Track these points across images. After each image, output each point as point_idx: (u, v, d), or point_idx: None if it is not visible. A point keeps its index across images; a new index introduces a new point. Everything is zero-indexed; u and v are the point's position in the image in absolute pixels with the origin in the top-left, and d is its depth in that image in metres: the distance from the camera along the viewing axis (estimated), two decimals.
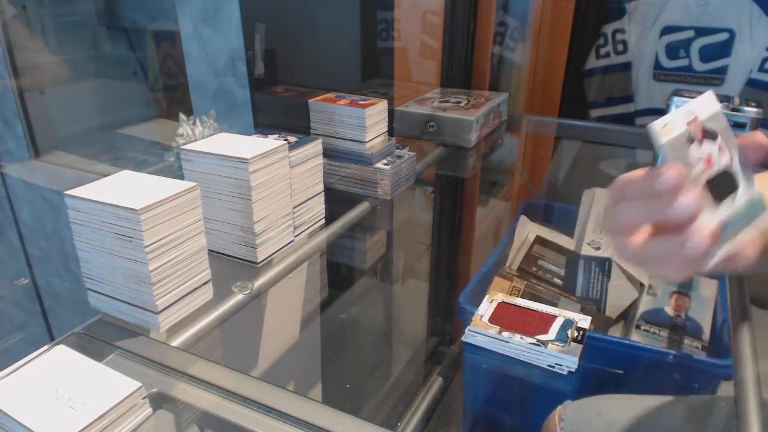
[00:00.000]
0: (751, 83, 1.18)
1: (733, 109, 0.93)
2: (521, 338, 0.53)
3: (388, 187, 0.81)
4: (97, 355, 0.47)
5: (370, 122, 0.80)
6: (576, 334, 0.53)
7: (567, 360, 0.51)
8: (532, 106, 1.38)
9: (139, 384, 0.42)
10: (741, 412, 0.42)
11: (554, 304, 0.60)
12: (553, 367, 0.51)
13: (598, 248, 0.81)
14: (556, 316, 0.56)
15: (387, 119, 0.85)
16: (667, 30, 1.25)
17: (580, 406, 0.49)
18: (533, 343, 0.52)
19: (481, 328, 0.54)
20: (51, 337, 1.65)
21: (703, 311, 0.69)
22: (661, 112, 0.99)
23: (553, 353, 0.51)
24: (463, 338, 0.56)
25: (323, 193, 0.73)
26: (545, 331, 0.54)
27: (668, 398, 0.49)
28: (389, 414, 0.83)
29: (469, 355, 0.58)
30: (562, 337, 0.53)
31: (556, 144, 1.26)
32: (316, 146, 0.70)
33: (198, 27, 1.15)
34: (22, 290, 1.73)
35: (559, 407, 0.49)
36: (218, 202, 0.61)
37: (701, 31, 1.22)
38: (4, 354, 1.75)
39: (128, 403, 0.41)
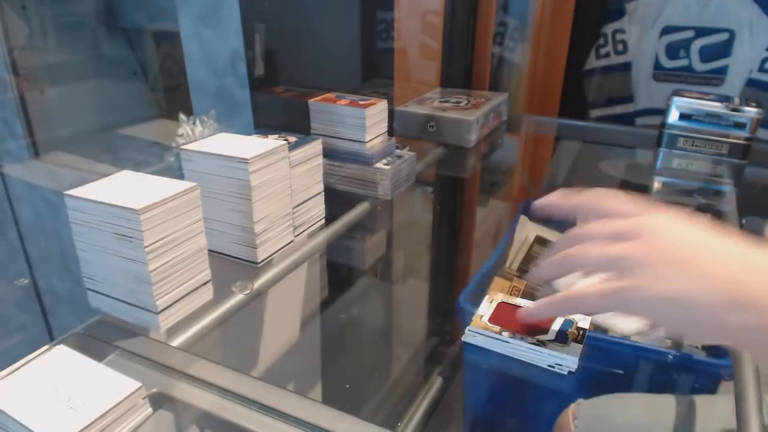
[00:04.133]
0: (751, 83, 1.18)
1: (733, 109, 0.93)
2: (521, 338, 0.53)
3: (388, 187, 0.81)
4: (97, 355, 0.47)
5: (370, 122, 0.80)
6: (576, 334, 0.53)
7: (567, 360, 0.51)
8: (532, 106, 1.38)
9: (139, 384, 0.42)
10: (741, 412, 0.42)
11: None
12: (553, 367, 0.51)
13: None
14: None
15: (387, 119, 0.85)
16: (667, 30, 1.25)
17: (593, 404, 0.49)
18: (533, 343, 0.52)
19: (481, 328, 0.54)
20: (51, 337, 1.65)
21: None
22: (661, 112, 0.99)
23: (553, 353, 0.51)
24: (463, 338, 0.56)
25: (323, 193, 0.73)
26: (545, 331, 0.54)
27: (678, 398, 0.49)
28: (389, 414, 0.83)
29: (469, 355, 0.58)
30: (562, 337, 0.53)
31: (556, 144, 1.26)
32: (316, 146, 0.70)
33: (198, 27, 1.15)
34: (22, 290, 1.73)
35: (573, 405, 0.49)
36: (218, 202, 0.61)
37: (701, 31, 1.22)
38: (4, 354, 1.75)
39: (128, 403, 0.41)
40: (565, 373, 0.50)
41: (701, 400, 0.49)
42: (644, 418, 0.47)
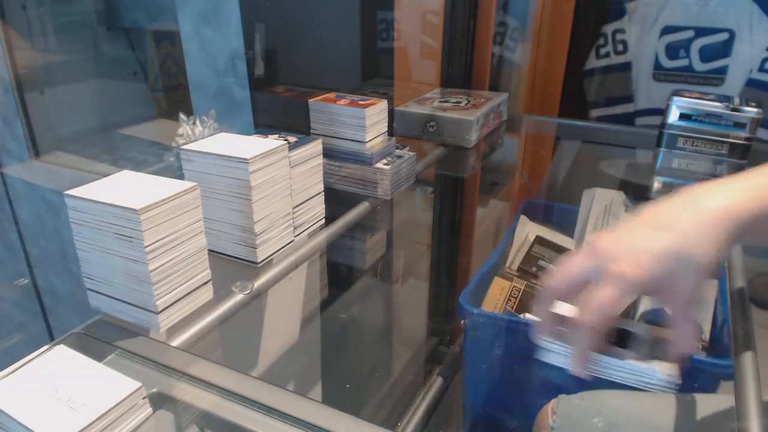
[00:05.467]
0: (751, 83, 1.18)
1: (733, 109, 0.93)
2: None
3: (388, 187, 0.81)
4: (97, 355, 0.47)
5: (370, 122, 0.80)
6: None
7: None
8: (532, 106, 1.38)
9: (139, 384, 0.42)
10: (741, 412, 0.42)
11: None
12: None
13: None
14: None
15: (387, 119, 0.85)
16: (667, 30, 1.25)
17: (574, 399, 0.49)
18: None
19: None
20: (51, 337, 1.65)
21: (703, 311, 0.69)
22: (661, 112, 0.99)
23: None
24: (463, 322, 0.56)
25: (323, 193, 0.73)
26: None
27: (665, 395, 0.49)
28: (389, 414, 0.83)
29: (469, 345, 0.58)
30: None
31: (556, 144, 1.26)
32: (316, 146, 0.70)
33: (198, 27, 1.15)
34: (22, 290, 1.73)
35: (553, 400, 0.49)
36: (218, 202, 0.61)
37: (701, 31, 1.22)
38: (4, 354, 1.75)
39: (128, 403, 0.41)
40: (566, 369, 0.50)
41: (699, 399, 0.49)
42: (627, 413, 0.47)
